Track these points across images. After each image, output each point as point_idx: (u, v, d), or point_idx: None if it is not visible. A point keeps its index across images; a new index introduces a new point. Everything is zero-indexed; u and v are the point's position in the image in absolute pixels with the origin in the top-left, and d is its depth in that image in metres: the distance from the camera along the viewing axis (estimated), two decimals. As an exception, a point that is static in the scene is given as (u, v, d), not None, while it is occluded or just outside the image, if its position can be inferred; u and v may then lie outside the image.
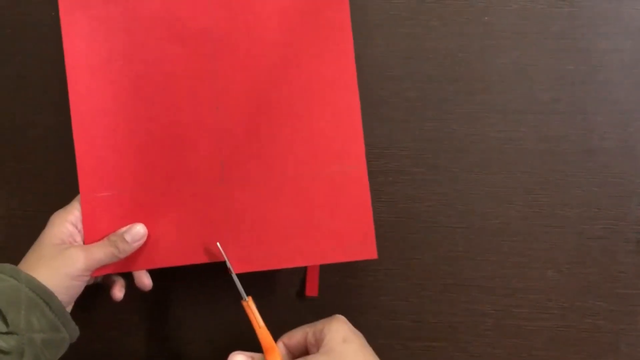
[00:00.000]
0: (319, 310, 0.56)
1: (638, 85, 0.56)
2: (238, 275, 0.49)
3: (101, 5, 0.50)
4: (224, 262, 0.49)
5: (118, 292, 0.52)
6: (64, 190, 0.54)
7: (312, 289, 0.56)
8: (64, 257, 0.47)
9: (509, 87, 0.56)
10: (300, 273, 0.56)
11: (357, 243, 0.50)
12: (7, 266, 0.46)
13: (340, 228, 0.50)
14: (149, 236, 0.50)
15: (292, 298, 0.57)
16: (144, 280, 0.51)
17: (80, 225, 0.50)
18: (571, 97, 0.56)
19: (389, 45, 0.56)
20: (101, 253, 0.48)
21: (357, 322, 0.55)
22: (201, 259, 0.50)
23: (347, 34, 0.51)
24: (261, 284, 0.56)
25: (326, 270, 0.56)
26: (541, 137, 0.56)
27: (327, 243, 0.50)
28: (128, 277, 0.52)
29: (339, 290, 0.56)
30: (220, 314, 0.57)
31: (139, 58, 0.50)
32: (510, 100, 0.56)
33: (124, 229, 0.50)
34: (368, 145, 0.55)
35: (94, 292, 0.53)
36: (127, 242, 0.49)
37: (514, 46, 0.56)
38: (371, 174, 0.55)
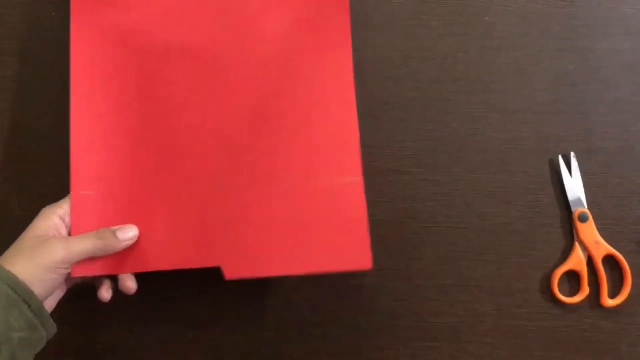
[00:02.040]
0: (319, 310, 0.56)
1: (638, 85, 0.56)
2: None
3: (110, 19, 0.52)
4: (217, 267, 0.49)
5: (105, 292, 0.50)
6: (63, 190, 0.54)
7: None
8: (42, 247, 0.46)
9: (509, 87, 0.56)
10: (300, 273, 0.56)
11: (352, 253, 0.50)
12: None
13: (335, 238, 0.50)
14: (140, 238, 0.50)
15: (292, 298, 0.56)
16: (128, 283, 0.50)
17: (67, 219, 0.49)
18: (571, 97, 0.56)
19: (389, 45, 0.56)
20: (85, 244, 0.47)
21: (358, 323, 0.55)
22: (193, 263, 0.50)
23: (346, 48, 0.51)
24: (261, 282, 0.56)
25: (326, 270, 0.56)
26: (541, 137, 0.56)
27: (322, 253, 0.50)
28: (114, 279, 0.51)
29: (339, 290, 0.56)
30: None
31: (142, 68, 0.52)
32: (510, 100, 0.56)
33: (116, 226, 0.49)
34: (368, 145, 0.55)
35: (83, 291, 0.53)
36: (116, 237, 0.48)
37: (514, 46, 0.56)
38: (371, 174, 0.55)
